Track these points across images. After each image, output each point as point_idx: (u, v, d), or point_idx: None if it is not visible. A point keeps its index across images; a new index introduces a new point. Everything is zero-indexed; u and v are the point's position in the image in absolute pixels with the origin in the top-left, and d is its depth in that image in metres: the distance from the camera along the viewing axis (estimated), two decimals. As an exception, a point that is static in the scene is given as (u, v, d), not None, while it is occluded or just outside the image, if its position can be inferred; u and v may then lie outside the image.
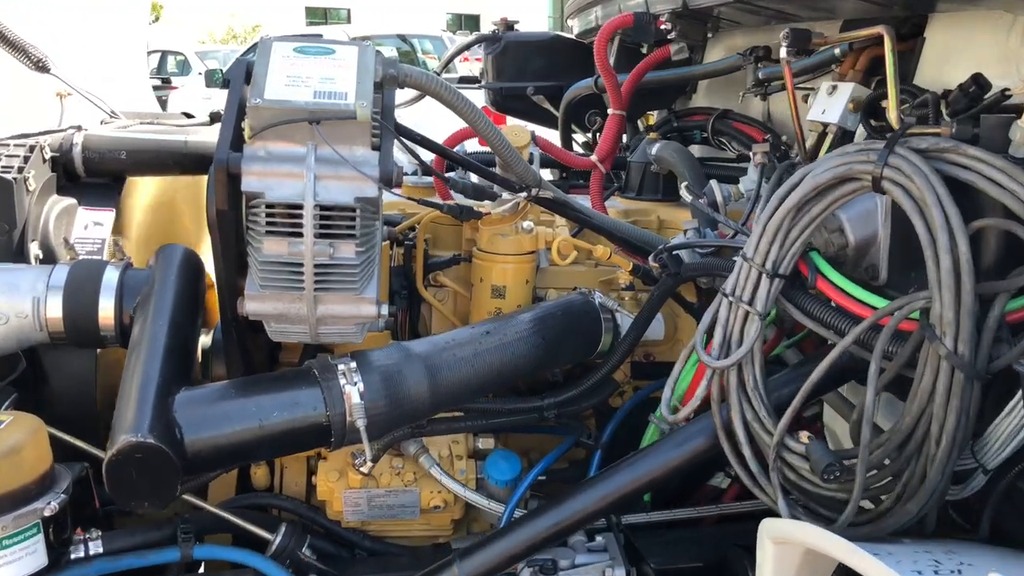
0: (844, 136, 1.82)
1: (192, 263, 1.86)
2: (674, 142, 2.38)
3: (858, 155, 1.38)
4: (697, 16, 2.04)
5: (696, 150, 2.87)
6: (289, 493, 2.11)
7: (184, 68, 18.39)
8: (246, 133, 1.49)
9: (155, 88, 13.57)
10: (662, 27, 2.12)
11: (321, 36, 1.57)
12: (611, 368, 1.95)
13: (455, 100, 1.63)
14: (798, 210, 1.44)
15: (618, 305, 1.97)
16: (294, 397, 1.59)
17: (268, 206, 1.49)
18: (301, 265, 1.51)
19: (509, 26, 3.50)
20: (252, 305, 1.57)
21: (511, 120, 3.29)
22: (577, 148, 3.51)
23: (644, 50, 2.59)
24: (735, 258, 1.74)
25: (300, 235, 1.49)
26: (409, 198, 1.83)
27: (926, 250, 1.28)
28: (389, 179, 1.53)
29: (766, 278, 1.47)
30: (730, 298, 1.51)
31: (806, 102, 2.47)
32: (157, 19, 25.74)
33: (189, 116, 2.49)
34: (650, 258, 1.80)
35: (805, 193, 1.42)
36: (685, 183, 1.81)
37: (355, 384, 1.60)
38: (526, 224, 2.00)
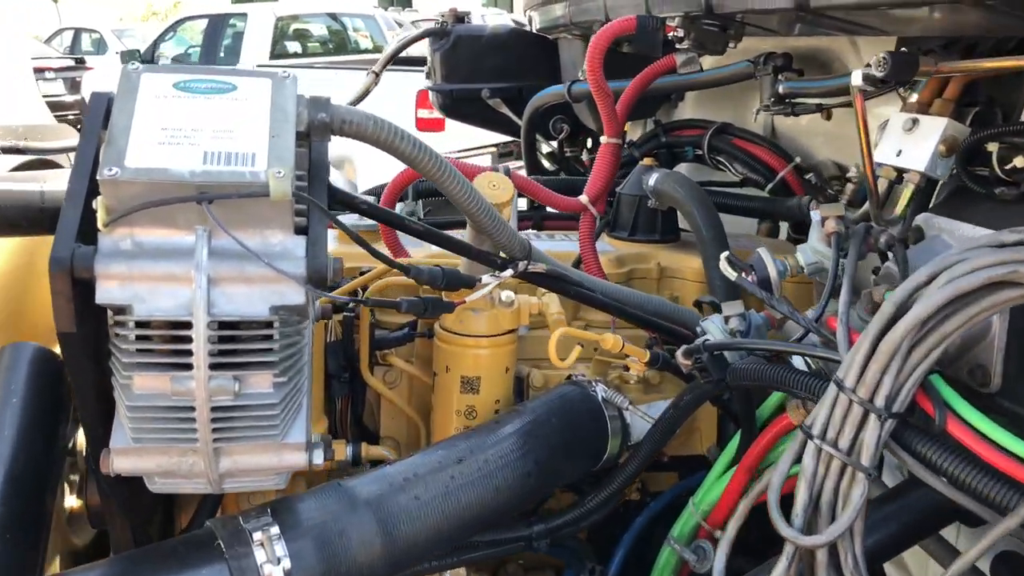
0: (928, 186, 1.39)
1: (48, 367, 1.34)
2: (678, 172, 1.92)
3: (1021, 251, 0.94)
4: (718, 22, 1.58)
5: (685, 169, 2.44)
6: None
7: (100, 47, 17.36)
8: (100, 216, 0.97)
9: (68, 69, 12.66)
10: (671, 34, 1.65)
11: (212, 70, 1.04)
12: (619, 487, 1.49)
13: (415, 152, 1.14)
14: (924, 323, 0.99)
15: (628, 402, 1.51)
16: (189, 586, 1.10)
17: (139, 325, 0.99)
18: (192, 409, 1.02)
19: (459, 18, 3.01)
20: (122, 462, 1.07)
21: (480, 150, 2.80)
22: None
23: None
24: (796, 358, 1.30)
25: (189, 366, 0.99)
26: (356, 301, 1.33)
27: None
28: (322, 277, 1.04)
29: (875, 418, 1.02)
30: (818, 442, 1.06)
31: (828, 119, 2.05)
32: (70, -6, 24.31)
33: None
34: (679, 353, 1.33)
35: (942, 301, 0.97)
36: (726, 253, 1.34)
37: (278, 561, 1.11)
38: (505, 295, 1.52)
